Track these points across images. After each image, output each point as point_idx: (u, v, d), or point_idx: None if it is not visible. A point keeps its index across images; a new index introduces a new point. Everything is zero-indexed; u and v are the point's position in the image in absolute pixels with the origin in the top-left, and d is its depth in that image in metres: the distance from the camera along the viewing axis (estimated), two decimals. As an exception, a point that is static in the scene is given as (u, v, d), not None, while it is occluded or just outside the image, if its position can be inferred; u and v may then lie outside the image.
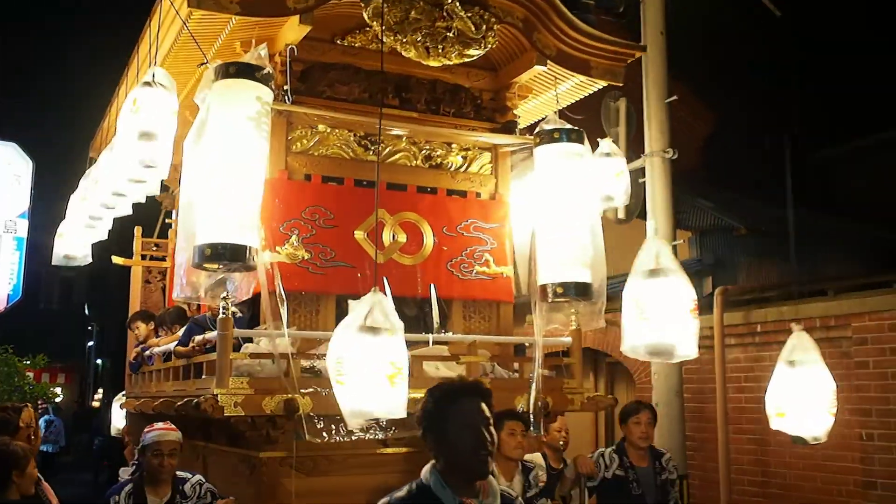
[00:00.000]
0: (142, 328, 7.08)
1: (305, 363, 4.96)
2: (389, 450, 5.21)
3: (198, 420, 5.29)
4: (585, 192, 5.52)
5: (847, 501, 6.53)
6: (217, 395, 4.63)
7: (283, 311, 4.83)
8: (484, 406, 2.76)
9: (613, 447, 5.57)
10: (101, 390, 26.59)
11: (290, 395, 4.76)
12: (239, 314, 5.39)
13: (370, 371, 3.66)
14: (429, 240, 5.68)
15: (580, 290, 5.31)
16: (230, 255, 4.38)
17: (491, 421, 2.77)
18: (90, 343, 31.94)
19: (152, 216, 8.01)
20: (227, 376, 4.70)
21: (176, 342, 5.92)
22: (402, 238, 5.61)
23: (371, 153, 5.66)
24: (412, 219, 5.66)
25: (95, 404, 26.17)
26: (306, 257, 5.29)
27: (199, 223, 4.50)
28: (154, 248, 7.95)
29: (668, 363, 6.95)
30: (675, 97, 6.40)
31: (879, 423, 6.27)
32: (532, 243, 5.69)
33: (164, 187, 7.92)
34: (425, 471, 2.79)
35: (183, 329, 6.38)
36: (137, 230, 7.89)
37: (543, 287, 5.41)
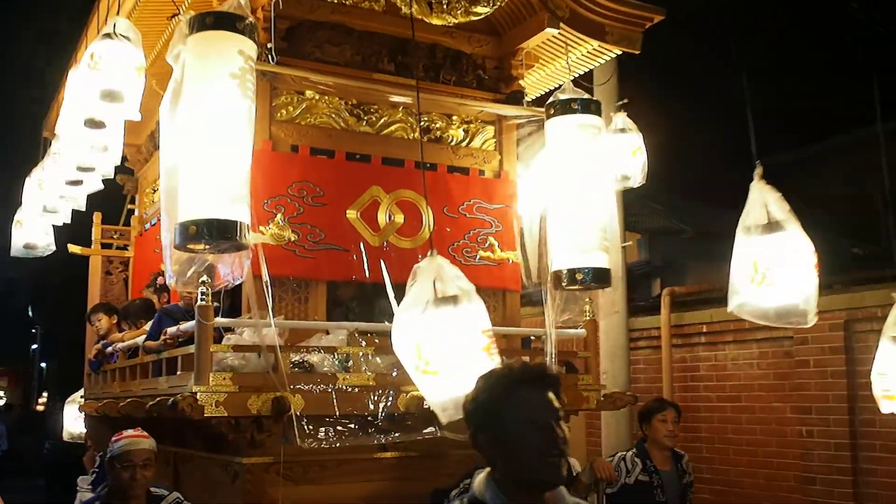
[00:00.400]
0: (104, 321, 6.42)
1: (295, 357, 4.37)
2: (387, 454, 4.65)
3: (170, 423, 4.69)
4: (603, 169, 5.03)
5: (788, 497, 6.59)
6: (196, 392, 4.03)
7: (269, 299, 4.25)
8: (552, 396, 2.21)
9: (634, 450, 5.05)
10: (45, 394, 25.68)
11: (278, 394, 4.17)
12: (214, 304, 4.81)
13: (464, 348, 3.09)
14: (428, 220, 5.12)
15: (598, 277, 4.81)
16: (218, 233, 3.77)
17: (561, 415, 2.21)
18: (34, 346, 30.86)
19: (113, 202, 7.33)
20: (207, 372, 4.10)
21: (144, 336, 5.30)
22: (400, 219, 5.05)
23: (364, 124, 5.09)
24: (410, 197, 5.10)
25: (40, 408, 25.25)
26: (293, 239, 4.71)
27: (181, 198, 3.90)
28: (116, 237, 7.27)
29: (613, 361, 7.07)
30: (625, 100, 5.88)
31: (819, 420, 6.37)
32: (543, 226, 5.18)
33: (127, 170, 7.28)
34: (479, 481, 2.22)
35: (150, 322, 5.77)
36: (97, 217, 7.21)
37: (557, 273, 4.91)
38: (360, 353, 4.49)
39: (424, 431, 4.45)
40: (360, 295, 5.10)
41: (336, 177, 4.92)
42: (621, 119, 5.43)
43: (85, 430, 7.26)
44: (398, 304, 4.59)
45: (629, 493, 4.90)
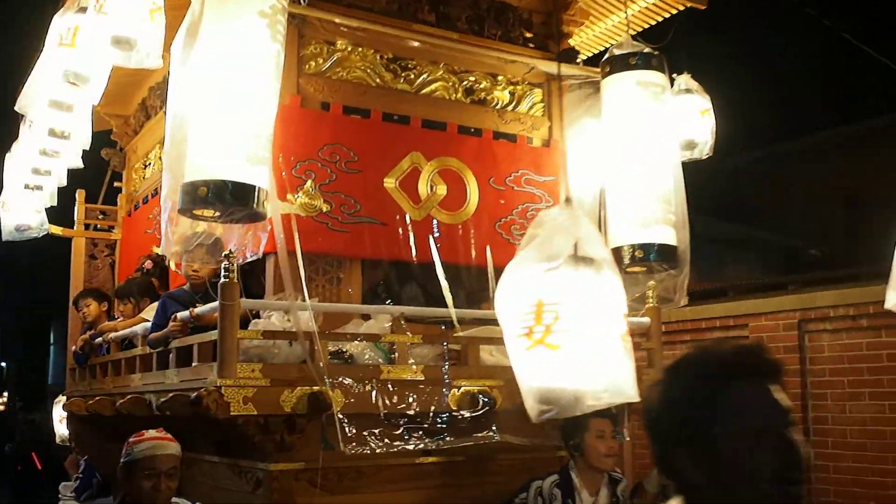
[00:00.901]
0: (92, 308, 5.71)
1: (331, 347, 3.74)
2: (429, 459, 4.04)
3: (172, 422, 4.03)
4: (667, 132, 4.45)
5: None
6: (221, 387, 3.38)
7: (304, 277, 3.61)
8: (781, 396, 1.58)
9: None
10: (6, 394, 24.51)
11: (316, 388, 3.54)
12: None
13: (602, 326, 2.44)
14: (473, 193, 4.52)
15: (664, 254, 4.25)
16: (233, 197, 3.12)
17: (792, 420, 1.58)
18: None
19: (98, 178, 6.61)
20: (233, 362, 3.46)
21: (144, 325, 4.62)
22: (442, 190, 4.44)
23: (402, 81, 4.47)
24: (453, 166, 4.49)
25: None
26: (325, 210, 4.08)
27: (190, 155, 3.25)
28: (100, 217, 6.54)
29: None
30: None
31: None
32: (600, 199, 4.59)
33: (112, 143, 6.57)
34: None
35: (148, 308, 5.09)
36: (80, 194, 6.48)
37: (617, 251, 4.32)
38: (407, 343, 3.87)
39: (479, 434, 3.84)
40: (394, 276, 4.48)
41: (372, 140, 4.29)
42: (685, 79, 4.85)
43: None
44: (448, 285, 4.07)
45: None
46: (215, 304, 3.69)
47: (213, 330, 3.79)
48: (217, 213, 3.18)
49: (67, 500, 5.87)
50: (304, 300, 3.59)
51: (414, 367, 3.85)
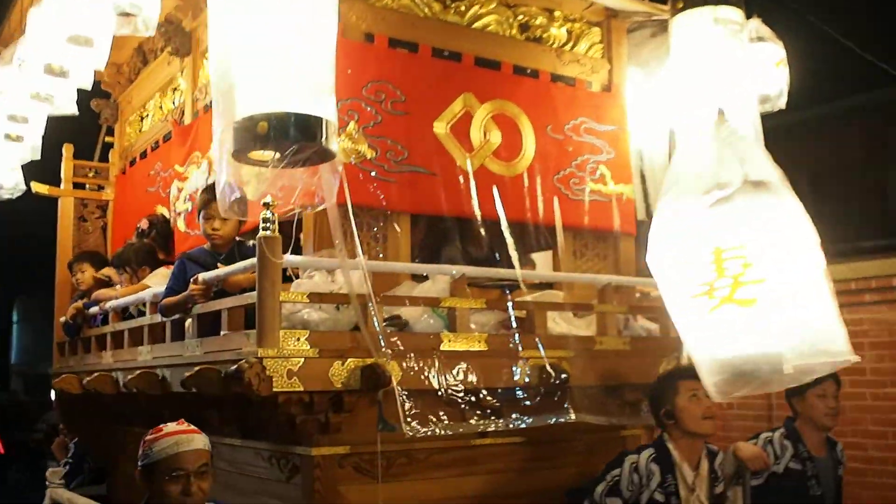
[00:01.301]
0: (87, 275, 5.13)
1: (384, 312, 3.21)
2: (486, 441, 3.54)
3: (193, 400, 3.51)
4: (746, 77, 3.95)
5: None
6: (262, 359, 2.84)
7: (355, 231, 3.08)
8: None
9: (782, 430, 4.01)
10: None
11: (371, 360, 3.02)
12: (251, 243, 3.62)
13: (800, 270, 1.92)
14: (529, 142, 4.00)
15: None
16: (298, 132, 2.60)
17: None
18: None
19: (88, 133, 5.99)
20: (276, 329, 2.92)
21: (149, 291, 4.06)
22: (496, 137, 3.91)
23: (452, 12, 3.93)
24: (509, 111, 3.96)
25: None
26: (370, 157, 3.53)
27: (240, 88, 2.72)
28: (91, 175, 5.93)
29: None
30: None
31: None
32: (670, 152, 4.10)
33: (104, 93, 5.95)
34: None
35: (152, 275, 4.53)
36: (67, 150, 5.85)
37: None
38: (470, 308, 3.35)
39: (552, 413, 3.35)
40: (439, 235, 3.96)
41: (420, 78, 3.75)
42: (757, 25, 4.35)
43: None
44: (514, 244, 3.56)
45: (778, 484, 3.85)
46: (247, 262, 3.15)
47: (239, 295, 3.27)
48: (279, 155, 2.66)
49: (56, 487, 5.30)
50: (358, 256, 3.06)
51: (477, 336, 3.34)
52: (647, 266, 4.35)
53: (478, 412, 3.23)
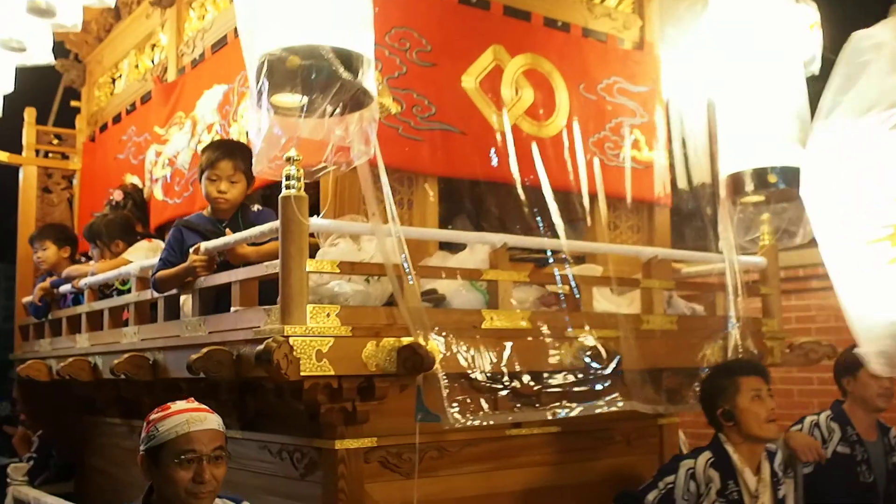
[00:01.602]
0: (50, 252, 4.64)
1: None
2: (522, 431, 3.18)
3: (191, 386, 3.10)
4: (792, 34, 3.67)
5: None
6: (289, 337, 2.43)
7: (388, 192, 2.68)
8: None
9: (829, 413, 3.70)
10: None
11: (409, 340, 2.63)
12: (256, 208, 3.23)
13: None
14: (563, 101, 3.64)
15: (795, 181, 3.46)
16: (336, 68, 2.23)
17: None
18: None
19: (44, 97, 5.47)
20: (304, 304, 2.51)
21: (139, 265, 3.61)
22: (529, 95, 3.54)
23: (478, -46, 3.54)
24: (541, 67, 3.60)
25: None
26: (394, 111, 3.13)
27: (262, 18, 2.35)
28: (55, 142, 5.40)
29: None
30: None
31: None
32: (710, 115, 3.77)
33: (66, 52, 5.43)
34: None
35: (132, 248, 4.08)
36: (29, 114, 5.32)
37: (736, 178, 3.55)
38: (512, 283, 2.98)
39: (601, 401, 3.00)
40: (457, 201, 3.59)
41: (447, 26, 3.37)
42: (794, -17, 4.04)
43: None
44: (559, 213, 3.19)
45: (827, 470, 3.56)
46: (266, 226, 2.73)
47: (246, 267, 2.85)
48: (312, 95, 2.26)
49: (19, 484, 4.80)
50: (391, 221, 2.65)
51: (520, 313, 2.97)
52: (681, 240, 4.09)
53: (523, 399, 2.86)
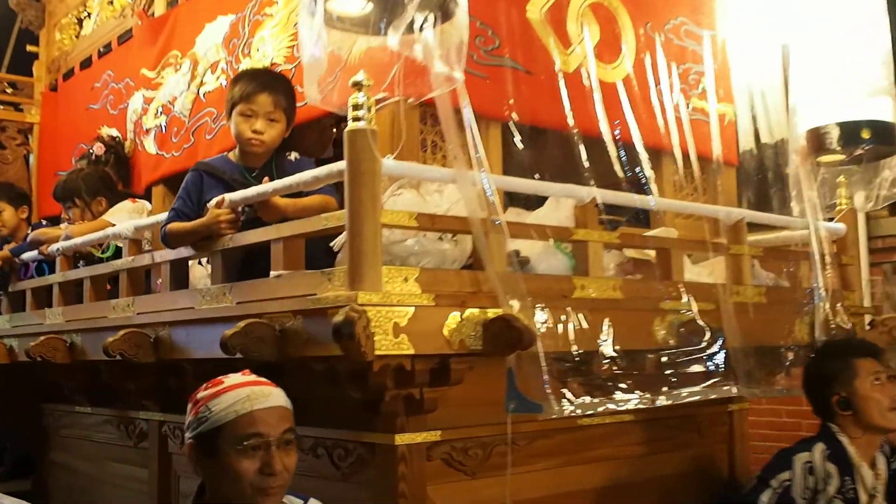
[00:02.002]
0: (7, 213, 4.01)
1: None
2: (595, 421, 2.72)
3: (151, 371, 2.61)
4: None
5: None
6: (364, 307, 1.92)
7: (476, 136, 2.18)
8: None
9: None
10: None
11: (496, 311, 2.13)
12: (294, 156, 2.71)
13: None
14: (630, 42, 3.17)
15: (884, 136, 3.11)
16: None
17: None
18: None
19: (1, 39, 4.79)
20: (378, 264, 1.99)
21: (137, 224, 3.03)
22: (595, 33, 3.06)
23: None
24: (607, 1, 3.11)
25: None
26: (456, 41, 2.61)
27: None
28: (9, 91, 4.73)
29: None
30: None
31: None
32: (784, 63, 3.36)
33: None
34: None
35: (114, 209, 3.50)
36: (-22, 58, 4.65)
37: (814, 133, 3.15)
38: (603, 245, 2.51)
39: (708, 384, 2.55)
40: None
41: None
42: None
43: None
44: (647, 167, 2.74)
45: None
46: (326, 167, 2.20)
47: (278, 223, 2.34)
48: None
49: (-25, 486, 4.16)
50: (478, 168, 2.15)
51: (612, 281, 2.50)
52: (748, 204, 3.67)
53: (622, 382, 2.39)
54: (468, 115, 2.16)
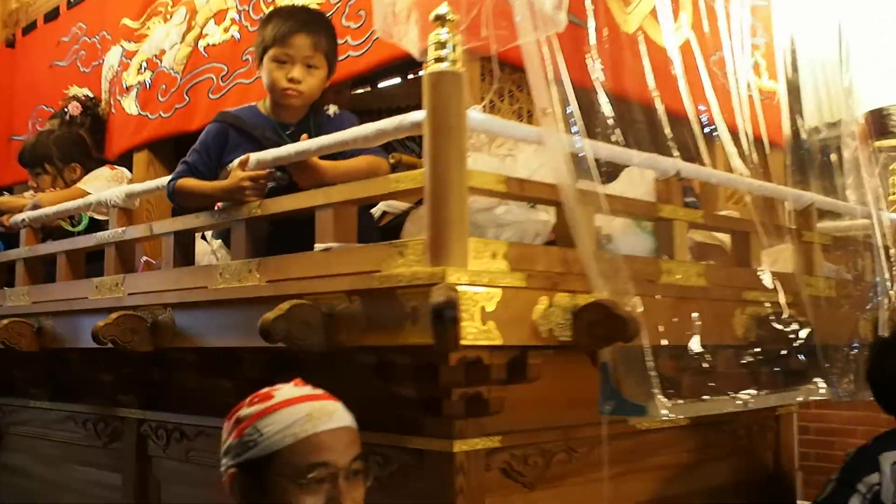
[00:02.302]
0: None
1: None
2: (654, 425, 2.41)
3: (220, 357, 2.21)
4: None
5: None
6: (456, 288, 1.56)
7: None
8: None
9: None
10: None
11: (590, 297, 1.80)
12: (333, 111, 2.34)
13: None
14: (687, 9, 2.89)
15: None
16: None
17: None
18: None
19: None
20: (465, 236, 1.64)
21: (126, 190, 2.61)
22: (654, -6, 2.74)
23: None
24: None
25: None
26: (516, -11, 2.27)
27: None
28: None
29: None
30: None
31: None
32: (840, 40, 3.11)
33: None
34: None
35: (90, 176, 3.07)
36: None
37: (875, 115, 2.91)
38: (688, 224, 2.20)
39: (801, 387, 2.27)
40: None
41: None
42: None
43: None
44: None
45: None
46: (396, 120, 1.83)
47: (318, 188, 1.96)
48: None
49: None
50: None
51: (696, 266, 2.19)
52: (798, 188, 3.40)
53: (723, 380, 2.08)
54: (563, 67, 1.83)
